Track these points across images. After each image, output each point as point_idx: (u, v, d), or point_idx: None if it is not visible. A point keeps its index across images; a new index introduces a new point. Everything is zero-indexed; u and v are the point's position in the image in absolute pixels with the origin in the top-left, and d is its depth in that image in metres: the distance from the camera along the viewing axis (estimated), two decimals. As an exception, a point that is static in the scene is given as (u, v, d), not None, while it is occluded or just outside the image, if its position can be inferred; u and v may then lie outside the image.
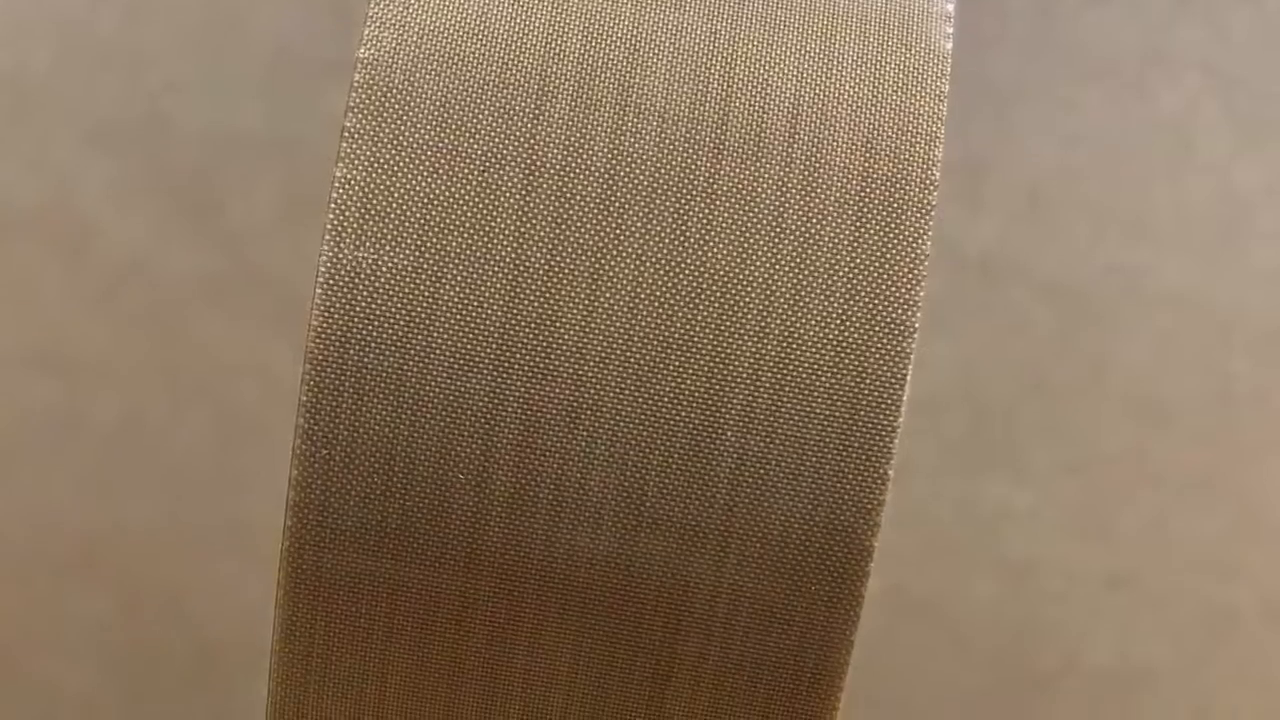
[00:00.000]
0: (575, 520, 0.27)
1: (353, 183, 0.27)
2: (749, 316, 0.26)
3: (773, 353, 0.26)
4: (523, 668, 0.28)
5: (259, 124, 0.56)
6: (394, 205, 0.27)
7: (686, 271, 0.26)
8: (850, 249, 0.27)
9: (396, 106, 0.27)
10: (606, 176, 0.27)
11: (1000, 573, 0.59)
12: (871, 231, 0.27)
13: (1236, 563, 0.59)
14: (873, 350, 0.27)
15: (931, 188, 0.27)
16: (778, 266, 0.26)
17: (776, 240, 0.26)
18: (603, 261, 0.26)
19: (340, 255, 0.26)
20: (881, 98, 0.27)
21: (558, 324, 0.26)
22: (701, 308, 0.26)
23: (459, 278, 0.26)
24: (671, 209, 0.27)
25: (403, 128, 0.27)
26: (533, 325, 0.26)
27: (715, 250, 0.26)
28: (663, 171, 0.27)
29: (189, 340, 0.57)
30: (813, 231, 0.27)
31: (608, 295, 0.26)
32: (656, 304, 0.26)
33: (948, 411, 0.57)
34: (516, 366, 0.26)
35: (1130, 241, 0.57)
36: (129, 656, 0.59)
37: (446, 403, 0.26)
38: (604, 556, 0.27)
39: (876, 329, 0.27)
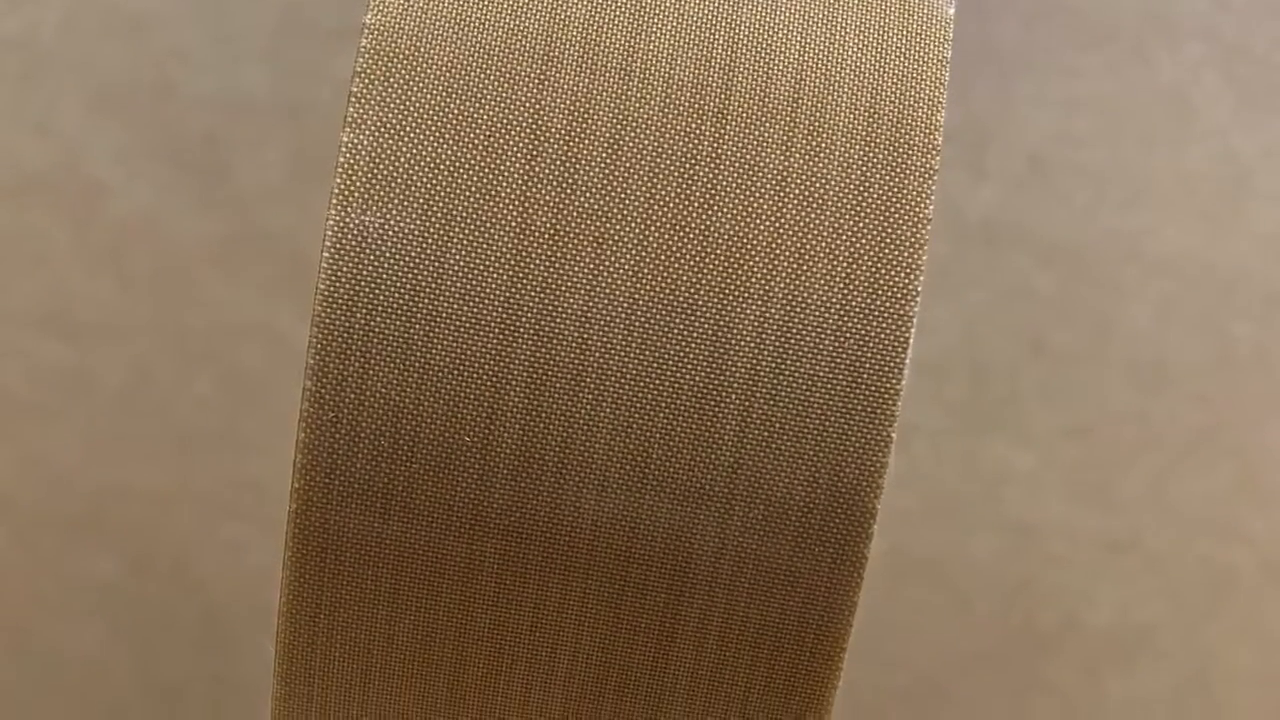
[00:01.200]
0: (580, 483, 0.27)
1: (359, 148, 0.27)
2: (753, 280, 0.26)
3: (776, 316, 0.27)
4: (528, 629, 0.28)
5: (266, 89, 0.56)
6: (400, 170, 0.27)
7: (691, 236, 0.27)
8: (853, 213, 0.27)
9: (403, 72, 0.27)
10: (611, 142, 0.27)
11: (1001, 534, 0.59)
12: (874, 196, 0.27)
13: (1237, 523, 0.59)
14: (875, 313, 0.27)
15: (934, 152, 0.27)
16: (781, 231, 0.27)
17: (780, 205, 0.27)
18: (607, 226, 0.27)
19: (347, 219, 0.27)
20: (884, 63, 0.28)
21: (563, 288, 0.27)
22: (706, 272, 0.26)
23: (465, 242, 0.26)
24: (676, 174, 0.27)
25: (409, 93, 0.27)
26: (538, 289, 0.26)
27: (719, 215, 0.27)
28: (667, 137, 0.27)
29: (196, 303, 0.57)
30: (816, 196, 0.27)
31: (612, 259, 0.27)
32: (661, 268, 0.26)
33: (950, 374, 0.57)
34: (522, 330, 0.26)
35: (1131, 206, 0.57)
36: (136, 618, 0.59)
37: (452, 366, 0.27)
38: (608, 518, 0.27)
39: (879, 292, 0.27)
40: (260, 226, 0.56)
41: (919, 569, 0.59)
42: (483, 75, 0.27)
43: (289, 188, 0.56)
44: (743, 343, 0.27)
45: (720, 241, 0.27)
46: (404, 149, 0.27)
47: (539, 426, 0.27)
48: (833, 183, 0.27)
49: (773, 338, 0.27)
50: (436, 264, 0.26)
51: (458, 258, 0.26)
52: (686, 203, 0.27)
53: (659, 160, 0.27)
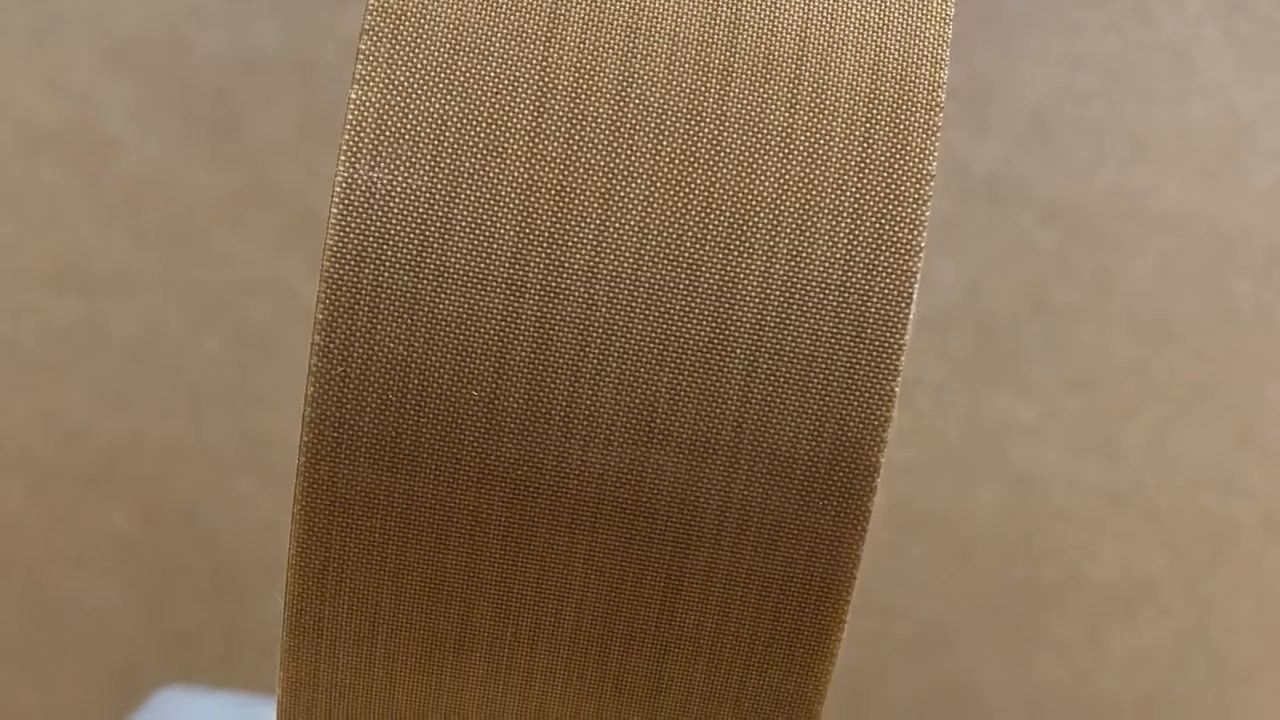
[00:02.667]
0: (586, 436, 0.27)
1: (367, 104, 0.27)
2: (757, 236, 0.27)
3: (781, 271, 0.27)
4: (534, 581, 0.28)
5: (276, 46, 0.56)
6: (408, 126, 0.27)
7: (696, 192, 0.27)
8: (857, 170, 0.27)
9: (410, 29, 0.27)
10: (617, 99, 0.27)
11: (1005, 487, 0.59)
12: (878, 153, 0.27)
13: (1237, 477, 0.59)
14: (879, 269, 0.27)
15: (937, 110, 0.27)
16: (785, 187, 0.27)
17: (784, 161, 0.27)
18: (613, 182, 0.27)
19: (355, 175, 0.27)
20: (888, 21, 0.28)
21: (569, 243, 0.27)
22: (711, 228, 0.27)
23: (472, 198, 0.27)
24: (681, 130, 0.27)
25: (416, 50, 0.27)
26: (545, 244, 0.27)
27: (724, 171, 0.27)
28: (672, 93, 0.27)
29: (207, 258, 0.57)
30: (820, 153, 0.27)
31: (618, 215, 0.27)
32: (667, 224, 0.27)
33: (953, 329, 0.58)
34: (529, 286, 0.27)
35: (1132, 163, 0.57)
36: (148, 570, 0.59)
37: (460, 321, 0.27)
38: (615, 472, 0.27)
39: (883, 248, 0.27)
40: (270, 182, 0.56)
41: (922, 522, 0.59)
42: (490, 32, 0.27)
43: (299, 144, 0.56)
44: (747, 298, 0.27)
45: (725, 198, 0.27)
46: (411, 105, 0.27)
47: (546, 381, 0.27)
48: (836, 139, 0.27)
49: (777, 293, 0.27)
50: (444, 220, 0.27)
51: (465, 214, 0.27)
52: (691, 159, 0.27)
53: (664, 117, 0.27)
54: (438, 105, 0.27)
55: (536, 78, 0.27)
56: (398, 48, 0.27)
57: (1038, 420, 0.59)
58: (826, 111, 0.27)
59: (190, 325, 0.58)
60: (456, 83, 0.27)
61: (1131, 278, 0.58)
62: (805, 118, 0.27)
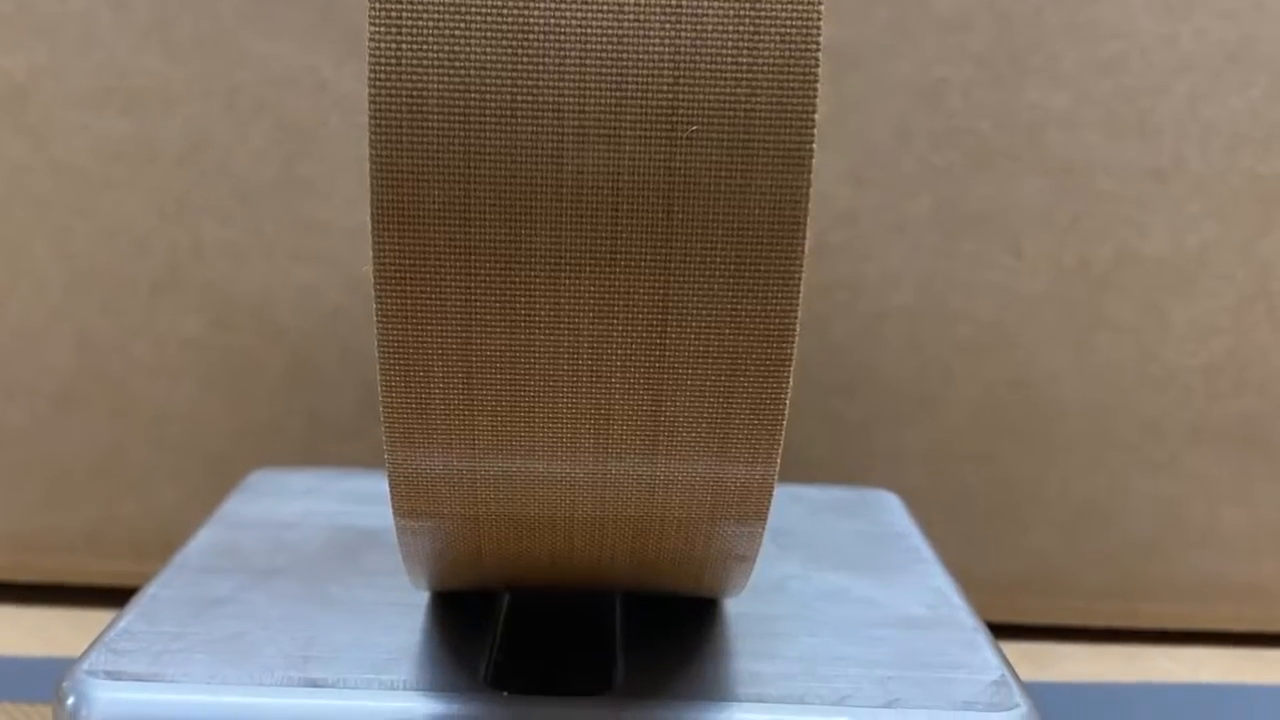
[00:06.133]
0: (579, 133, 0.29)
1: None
2: None
3: None
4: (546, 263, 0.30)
5: None
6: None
7: None
8: None
9: None
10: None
11: (1046, 177, 0.59)
12: None
13: (1276, 132, 0.59)
14: None
15: None
16: None
17: None
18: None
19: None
20: None
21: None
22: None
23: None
24: None
25: None
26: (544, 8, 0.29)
27: None
28: None
29: (239, 60, 0.58)
30: None
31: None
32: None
33: (972, 27, 0.57)
34: (532, 33, 0.29)
35: None
36: (225, 368, 0.61)
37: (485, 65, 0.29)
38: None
39: None
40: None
41: (969, 222, 0.59)
42: None
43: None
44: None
45: None
46: None
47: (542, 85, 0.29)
48: None
49: None
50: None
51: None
52: None
53: None
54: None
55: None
56: None
57: (1070, 106, 0.58)
58: None
59: (233, 127, 0.59)
60: None
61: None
62: None
